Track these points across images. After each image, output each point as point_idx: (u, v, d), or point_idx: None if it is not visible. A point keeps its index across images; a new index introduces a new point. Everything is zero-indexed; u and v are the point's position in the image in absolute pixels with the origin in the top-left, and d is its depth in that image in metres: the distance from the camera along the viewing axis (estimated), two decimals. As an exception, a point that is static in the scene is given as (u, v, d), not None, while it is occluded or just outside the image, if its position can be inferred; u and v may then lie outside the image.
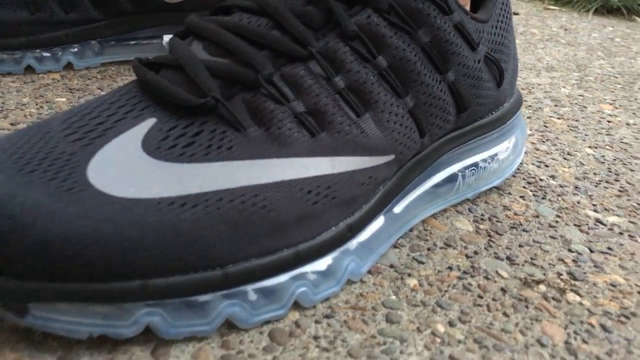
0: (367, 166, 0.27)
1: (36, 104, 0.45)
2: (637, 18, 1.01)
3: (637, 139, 0.48)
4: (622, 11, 1.02)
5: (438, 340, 0.25)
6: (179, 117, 0.25)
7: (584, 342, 0.25)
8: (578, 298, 0.28)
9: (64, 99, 0.47)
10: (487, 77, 0.32)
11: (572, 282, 0.29)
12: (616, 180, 0.41)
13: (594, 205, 0.37)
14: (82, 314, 0.22)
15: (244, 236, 0.24)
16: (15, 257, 0.21)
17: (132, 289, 0.22)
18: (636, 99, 0.59)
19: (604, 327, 0.26)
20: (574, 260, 0.31)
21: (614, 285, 0.29)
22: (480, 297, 0.28)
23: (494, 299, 0.27)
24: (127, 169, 0.23)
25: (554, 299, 0.28)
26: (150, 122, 0.25)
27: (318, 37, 0.27)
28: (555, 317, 0.27)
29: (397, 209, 0.30)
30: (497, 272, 0.29)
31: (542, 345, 0.25)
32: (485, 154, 0.35)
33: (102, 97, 0.27)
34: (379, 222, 0.29)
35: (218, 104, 0.25)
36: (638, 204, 0.38)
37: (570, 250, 0.32)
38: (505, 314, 0.27)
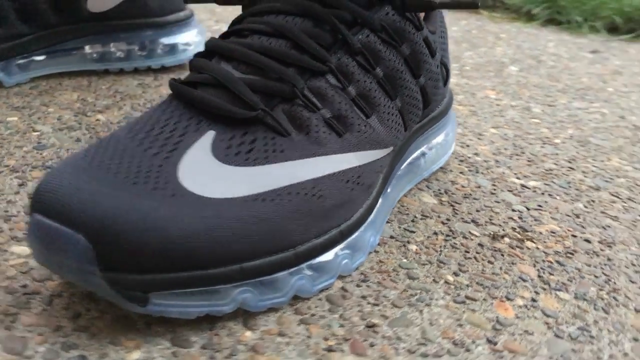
0: (379, 157, 0.34)
1: (-1, 125, 0.46)
2: (482, 11, 1.15)
3: (523, 117, 0.59)
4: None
5: (452, 287, 0.32)
6: (233, 129, 0.30)
7: (550, 274, 0.34)
8: (533, 244, 0.37)
9: (16, 118, 0.48)
10: (440, 78, 0.40)
11: (525, 233, 0.38)
12: (522, 153, 0.51)
13: (515, 174, 0.46)
14: (191, 298, 0.26)
15: (309, 221, 0.29)
16: (139, 256, 0.25)
17: (232, 272, 0.27)
18: (510, 84, 0.70)
19: (559, 263, 0.35)
20: (519, 217, 0.40)
21: (553, 232, 0.38)
22: (467, 252, 0.35)
23: (477, 252, 0.35)
24: (210, 175, 0.28)
25: (517, 247, 0.36)
26: (211, 134, 0.30)
27: (331, 54, 0.33)
28: (524, 259, 0.35)
29: (388, 190, 0.37)
30: (470, 232, 0.37)
31: (524, 280, 0.33)
32: (435, 140, 0.43)
33: (153, 115, 0.31)
34: (380, 202, 0.35)
35: (267, 115, 0.30)
36: (545, 169, 0.48)
37: (513, 210, 0.41)
38: (490, 262, 0.34)
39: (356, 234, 0.32)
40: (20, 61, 0.56)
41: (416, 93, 0.37)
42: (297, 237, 0.29)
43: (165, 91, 0.57)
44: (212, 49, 0.33)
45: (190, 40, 0.63)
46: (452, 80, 0.69)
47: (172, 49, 0.62)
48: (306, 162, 0.30)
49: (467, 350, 0.27)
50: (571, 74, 0.77)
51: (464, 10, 0.37)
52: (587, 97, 0.67)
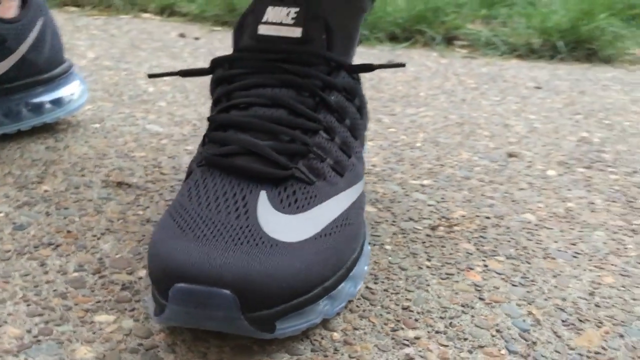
0: (362, 187, 0.45)
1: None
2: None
3: (382, 128, 0.74)
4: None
5: (432, 269, 0.44)
6: (276, 186, 0.39)
7: (482, 245, 0.48)
8: (457, 227, 0.51)
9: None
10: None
11: (448, 220, 0.52)
12: (403, 159, 0.65)
13: (410, 176, 0.60)
14: (297, 319, 0.35)
15: (349, 242, 0.39)
16: (268, 297, 0.33)
17: (320, 292, 0.36)
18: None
19: (482, 237, 0.49)
20: (436, 209, 0.54)
21: (464, 216, 0.53)
22: (423, 242, 0.48)
23: (430, 241, 0.48)
24: (282, 225, 0.36)
25: (450, 231, 0.50)
26: (263, 193, 0.38)
27: (318, 114, 0.43)
28: (461, 239, 0.49)
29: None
30: (415, 228, 0.50)
31: (470, 254, 0.47)
32: (359, 162, 0.55)
33: (206, 187, 0.38)
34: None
35: (297, 171, 0.39)
36: (427, 169, 0.62)
37: (428, 205, 0.54)
38: (442, 246, 0.47)
39: (366, 246, 0.43)
40: None
41: (364, 131, 0.48)
42: (347, 256, 0.39)
43: (77, 150, 0.61)
44: (227, 123, 0.41)
45: (74, 90, 0.66)
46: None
47: (59, 101, 0.65)
48: (332, 200, 0.40)
49: (472, 307, 0.40)
50: (387, 84, 0.94)
51: (393, 68, 0.47)
52: (413, 104, 0.84)
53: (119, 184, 0.55)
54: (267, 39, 0.44)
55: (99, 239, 0.46)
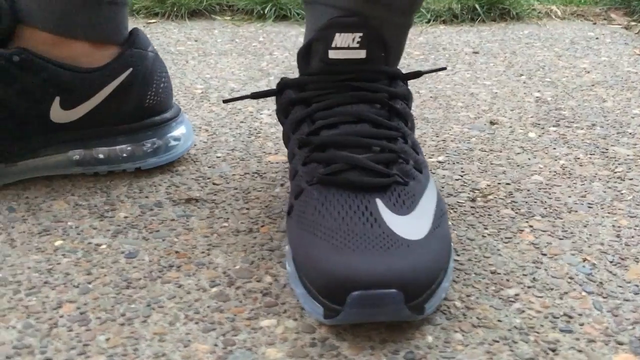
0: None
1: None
2: (216, 17, 1.32)
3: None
4: (203, 14, 1.31)
5: (492, 236, 0.54)
6: (385, 192, 0.46)
7: (518, 209, 0.58)
8: (491, 197, 0.61)
9: (64, 240, 0.53)
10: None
11: (481, 191, 0.62)
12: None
13: (427, 154, 0.69)
14: (434, 299, 0.43)
15: (448, 230, 0.48)
16: (419, 289, 0.41)
17: (442, 274, 0.44)
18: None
19: (513, 201, 0.60)
20: (464, 182, 0.63)
21: (489, 185, 0.63)
22: (473, 214, 0.57)
23: (477, 212, 0.58)
24: (406, 226, 0.44)
25: (487, 200, 0.60)
26: (378, 201, 0.46)
27: (392, 122, 0.50)
28: (498, 206, 0.59)
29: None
30: (458, 202, 0.59)
31: (513, 218, 0.57)
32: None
33: (332, 203, 0.45)
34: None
35: (396, 176, 0.47)
36: (426, 148, 0.72)
37: (456, 180, 0.64)
38: (489, 215, 0.57)
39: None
40: None
41: (414, 128, 0.57)
42: (450, 239, 0.48)
43: (119, 172, 0.64)
44: (326, 143, 0.48)
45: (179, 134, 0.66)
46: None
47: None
48: (424, 195, 0.48)
49: (541, 262, 0.50)
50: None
51: (435, 72, 0.54)
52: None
53: (188, 201, 0.60)
54: (337, 62, 0.51)
55: (208, 254, 0.52)
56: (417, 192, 0.48)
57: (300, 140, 0.50)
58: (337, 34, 0.51)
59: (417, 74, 0.54)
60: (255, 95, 0.55)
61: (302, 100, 0.52)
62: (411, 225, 0.45)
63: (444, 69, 0.57)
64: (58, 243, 0.53)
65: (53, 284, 0.47)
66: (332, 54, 0.51)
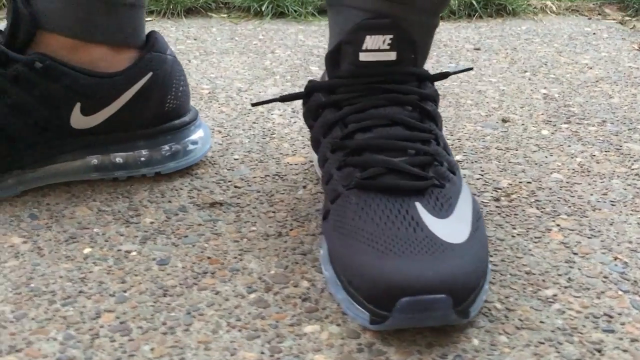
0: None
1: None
2: (212, 14, 1.31)
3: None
4: (199, 11, 1.30)
5: (522, 235, 0.54)
6: (422, 195, 0.46)
7: (543, 207, 0.59)
8: (515, 195, 0.61)
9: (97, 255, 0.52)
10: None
11: (504, 190, 0.62)
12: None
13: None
14: (478, 302, 0.43)
15: (485, 232, 0.48)
16: (466, 293, 0.42)
17: (483, 278, 0.45)
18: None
19: (536, 200, 0.60)
20: (485, 181, 0.63)
21: (511, 184, 0.63)
22: (499, 214, 0.58)
23: (503, 211, 0.58)
24: (446, 229, 0.45)
25: (511, 200, 0.60)
26: (417, 204, 0.46)
27: (424, 124, 0.50)
28: (523, 205, 0.59)
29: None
30: (483, 202, 0.60)
31: (539, 217, 0.57)
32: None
33: (372, 207, 0.45)
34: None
35: (433, 179, 0.47)
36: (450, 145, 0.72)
37: (477, 179, 0.64)
38: (515, 214, 0.58)
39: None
40: (14, 175, 0.58)
41: (441, 129, 0.57)
42: (486, 240, 0.48)
43: (139, 177, 0.63)
44: (361, 147, 0.48)
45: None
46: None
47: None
48: (460, 198, 0.48)
49: (574, 262, 0.51)
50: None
51: (462, 73, 0.55)
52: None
53: (212, 205, 0.59)
54: (367, 65, 0.51)
55: (241, 259, 0.51)
56: (453, 194, 0.48)
57: (334, 144, 0.50)
58: (368, 36, 0.50)
59: (444, 75, 0.55)
60: (284, 99, 0.54)
61: (332, 104, 0.52)
62: (452, 229, 0.45)
63: (470, 69, 0.57)
64: (87, 251, 0.52)
65: (88, 293, 0.47)
66: (363, 57, 0.51)
